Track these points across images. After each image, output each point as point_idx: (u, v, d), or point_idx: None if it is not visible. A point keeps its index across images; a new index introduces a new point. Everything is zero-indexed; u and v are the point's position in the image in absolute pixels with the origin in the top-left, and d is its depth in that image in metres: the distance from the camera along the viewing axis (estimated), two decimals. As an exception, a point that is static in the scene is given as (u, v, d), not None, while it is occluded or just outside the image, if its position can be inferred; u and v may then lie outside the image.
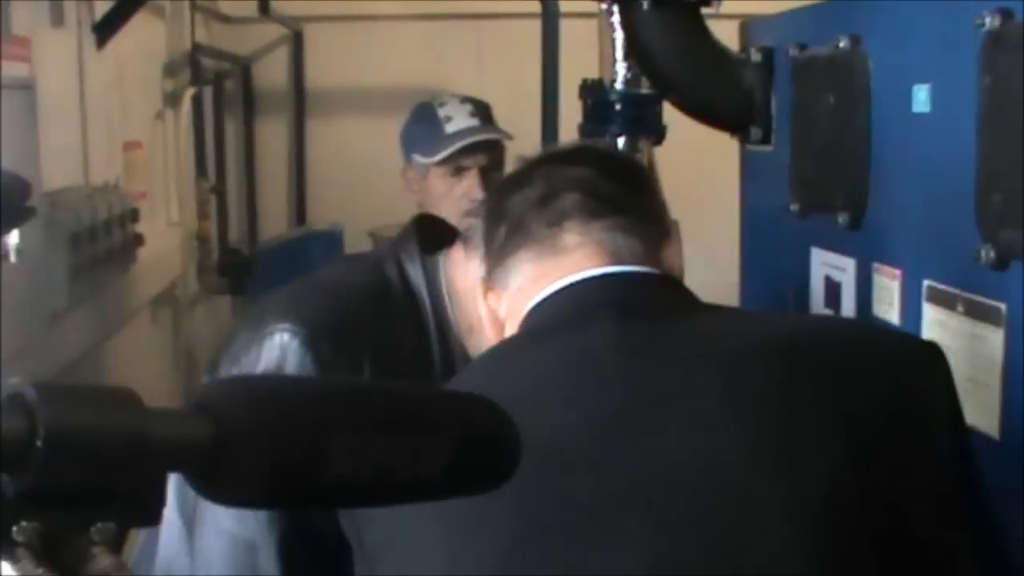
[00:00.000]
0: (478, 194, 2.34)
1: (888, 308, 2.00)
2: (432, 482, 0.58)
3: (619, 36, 4.04)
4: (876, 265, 2.04)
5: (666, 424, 1.12)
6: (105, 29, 4.06)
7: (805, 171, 2.32)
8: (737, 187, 2.87)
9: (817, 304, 2.28)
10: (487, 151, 2.36)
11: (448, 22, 5.94)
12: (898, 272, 1.98)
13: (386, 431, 0.56)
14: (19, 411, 0.46)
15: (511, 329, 1.33)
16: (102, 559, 0.50)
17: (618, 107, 4.05)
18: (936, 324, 1.80)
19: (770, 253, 2.63)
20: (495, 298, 1.37)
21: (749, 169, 2.80)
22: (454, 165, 2.36)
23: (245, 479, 0.52)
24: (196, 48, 4.92)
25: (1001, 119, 1.56)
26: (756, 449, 1.10)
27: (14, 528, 0.47)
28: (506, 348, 1.32)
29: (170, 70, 4.82)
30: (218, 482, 0.52)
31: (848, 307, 2.17)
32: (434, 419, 0.58)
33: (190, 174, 4.95)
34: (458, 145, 2.33)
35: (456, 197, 2.36)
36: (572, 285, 1.28)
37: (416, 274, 1.60)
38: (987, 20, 1.57)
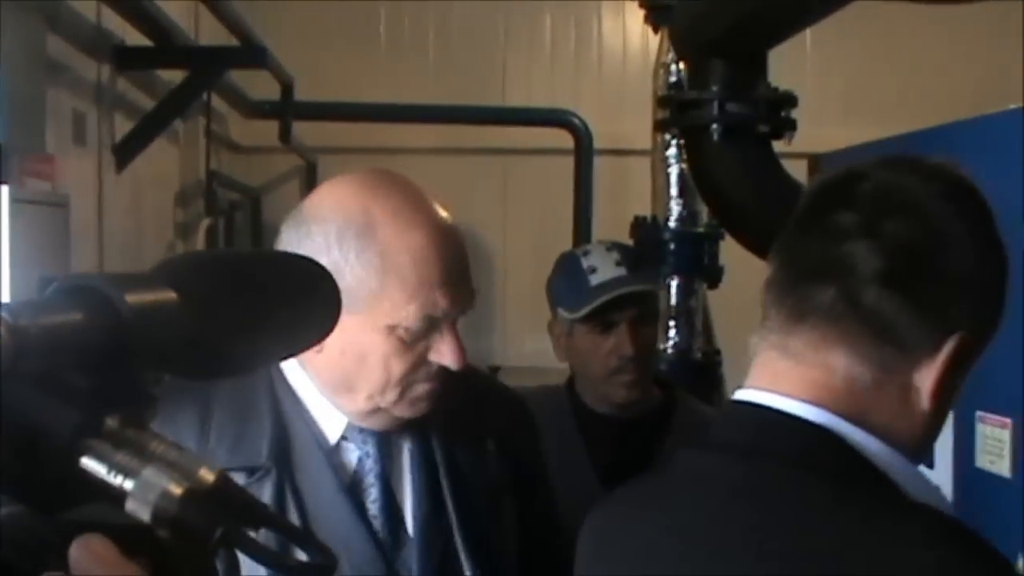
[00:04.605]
0: (628, 350, 2.06)
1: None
2: None
3: (674, 171, 3.85)
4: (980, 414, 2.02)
5: None
6: (125, 151, 3.85)
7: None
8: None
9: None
10: (637, 303, 2.07)
11: (473, 156, 5.78)
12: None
13: None
14: None
15: None
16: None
17: (672, 246, 3.83)
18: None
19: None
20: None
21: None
22: (602, 320, 2.07)
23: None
24: (211, 176, 4.70)
25: None
26: None
27: None
28: None
29: (182, 199, 4.59)
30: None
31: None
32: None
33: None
34: (603, 299, 2.05)
35: (604, 354, 2.07)
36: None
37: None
38: None
